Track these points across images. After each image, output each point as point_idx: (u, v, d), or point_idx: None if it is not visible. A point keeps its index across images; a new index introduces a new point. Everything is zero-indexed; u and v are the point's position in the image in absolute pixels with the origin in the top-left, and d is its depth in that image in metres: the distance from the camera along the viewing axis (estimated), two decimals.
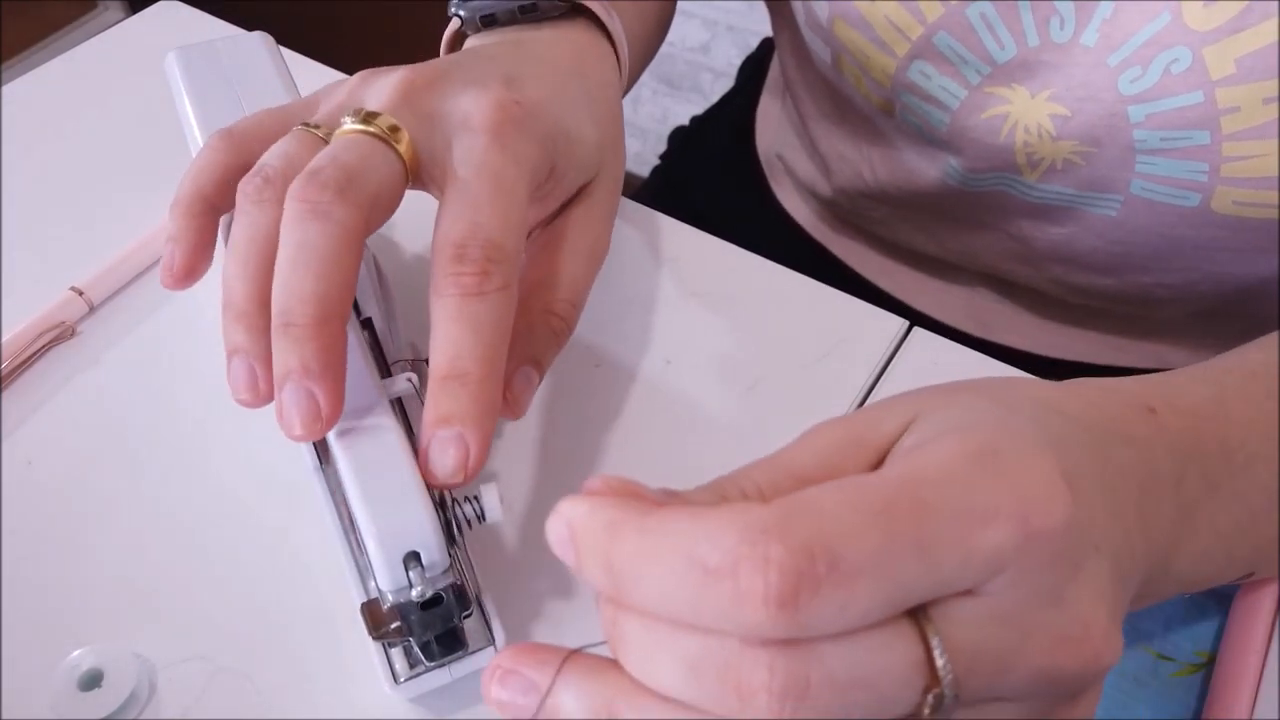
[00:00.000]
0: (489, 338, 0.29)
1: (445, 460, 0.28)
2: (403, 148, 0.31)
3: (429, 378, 0.29)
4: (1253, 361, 0.31)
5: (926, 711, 0.20)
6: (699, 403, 0.39)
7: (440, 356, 0.28)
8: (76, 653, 0.31)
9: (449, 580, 0.28)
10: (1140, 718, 0.32)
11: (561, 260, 0.35)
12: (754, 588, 0.19)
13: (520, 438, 0.38)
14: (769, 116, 0.67)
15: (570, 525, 0.22)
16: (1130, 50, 0.40)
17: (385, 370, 0.33)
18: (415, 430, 0.31)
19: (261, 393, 0.29)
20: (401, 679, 0.30)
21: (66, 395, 0.39)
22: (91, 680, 0.31)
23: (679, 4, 0.58)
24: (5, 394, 0.39)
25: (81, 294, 0.41)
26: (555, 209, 0.37)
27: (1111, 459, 0.25)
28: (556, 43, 0.40)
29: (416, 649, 0.30)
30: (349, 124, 0.31)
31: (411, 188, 0.32)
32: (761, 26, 0.63)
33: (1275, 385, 0.30)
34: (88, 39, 0.56)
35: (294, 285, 0.28)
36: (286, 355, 0.27)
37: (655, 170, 0.76)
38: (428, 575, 0.28)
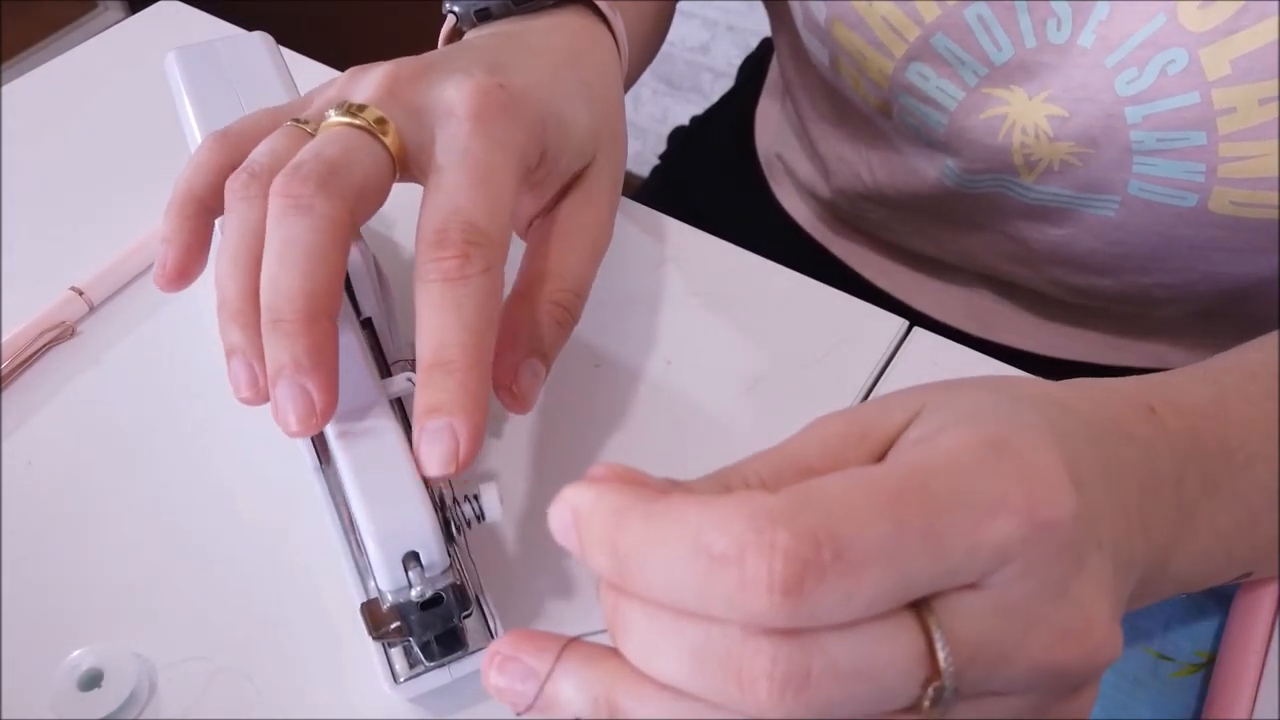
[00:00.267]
0: (473, 324, 0.28)
1: (435, 452, 0.27)
2: (389, 139, 0.30)
3: (416, 364, 0.28)
4: (1252, 361, 0.31)
5: (926, 704, 0.20)
6: (699, 403, 0.39)
7: (424, 345, 0.28)
8: (76, 653, 0.31)
9: (449, 580, 0.28)
10: (1140, 718, 0.32)
11: (562, 250, 0.35)
12: (759, 575, 0.19)
13: (520, 438, 0.38)
14: (768, 117, 0.67)
15: (574, 511, 0.22)
16: (1127, 51, 0.40)
17: (385, 370, 0.33)
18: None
19: (262, 390, 0.29)
20: (401, 679, 0.30)
21: (66, 395, 0.39)
22: (91, 680, 0.31)
23: (679, 4, 0.58)
24: (5, 394, 0.39)
25: (81, 294, 0.41)
26: (553, 197, 0.36)
27: (1113, 457, 0.25)
28: (551, 31, 0.39)
29: (416, 649, 0.30)
30: (333, 117, 0.31)
31: (401, 180, 0.32)
32: (761, 26, 0.63)
33: (1274, 385, 0.30)
34: (88, 39, 0.56)
35: (280, 282, 0.28)
36: (277, 352, 0.27)
37: (655, 170, 0.76)
38: (427, 575, 0.28)
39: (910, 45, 0.44)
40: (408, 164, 0.31)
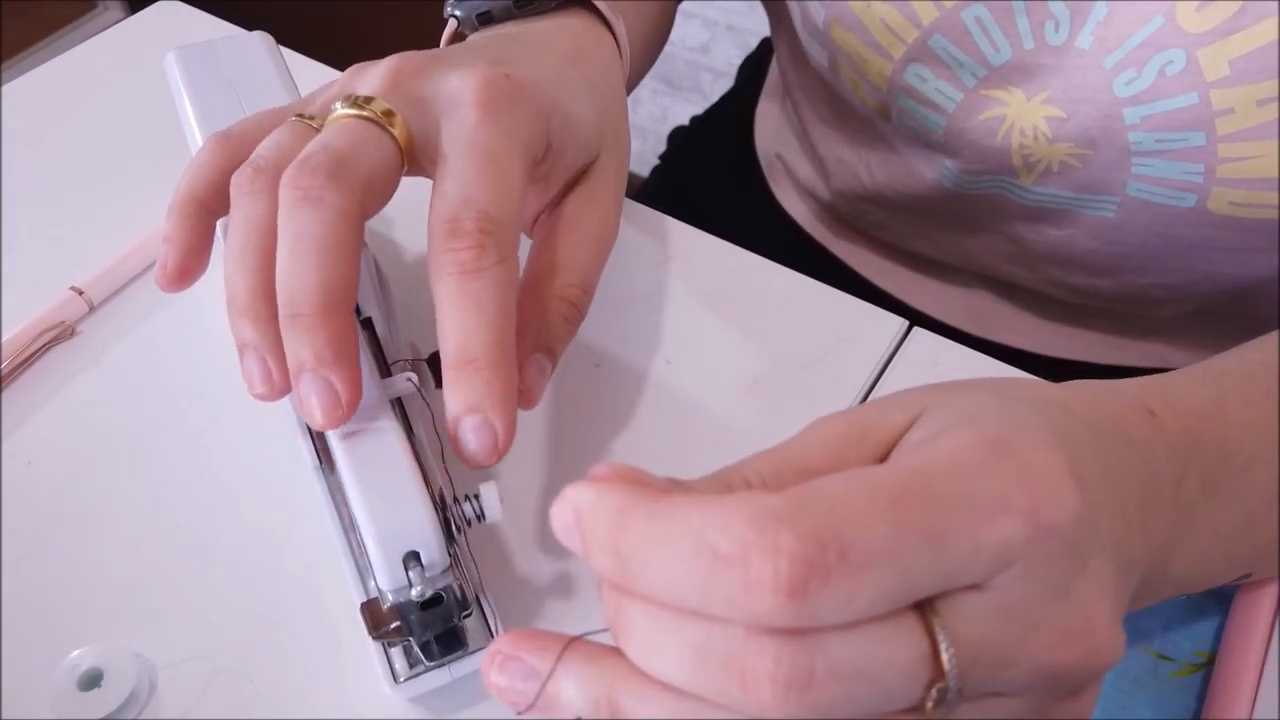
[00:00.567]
0: (494, 319, 0.28)
1: (476, 444, 0.28)
2: (397, 130, 0.30)
3: (443, 363, 0.29)
4: (1251, 362, 0.31)
5: (930, 705, 0.20)
6: (699, 403, 0.39)
7: (449, 343, 0.28)
8: (76, 653, 0.31)
9: (449, 580, 0.28)
10: (1140, 718, 0.32)
11: (569, 245, 0.35)
12: (764, 575, 0.19)
13: (521, 438, 0.38)
14: (768, 117, 0.67)
15: (576, 511, 0.22)
16: (1125, 52, 0.40)
17: (385, 370, 0.33)
18: (415, 430, 0.31)
19: (277, 385, 0.29)
20: (401, 679, 0.30)
21: (66, 395, 0.39)
22: (91, 680, 0.31)
23: (679, 4, 0.58)
24: (5, 394, 0.39)
25: (81, 294, 0.41)
26: (558, 191, 0.36)
27: (1113, 458, 0.25)
28: (553, 32, 0.39)
29: (416, 649, 0.30)
30: (340, 109, 0.31)
31: (409, 173, 0.32)
32: (761, 26, 0.63)
33: (1274, 386, 0.30)
34: (88, 39, 0.56)
35: (296, 275, 0.28)
36: (298, 347, 0.27)
37: (655, 170, 0.76)
38: (427, 575, 0.28)
39: (908, 47, 0.44)
40: (415, 155, 0.31)
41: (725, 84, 0.78)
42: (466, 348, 0.28)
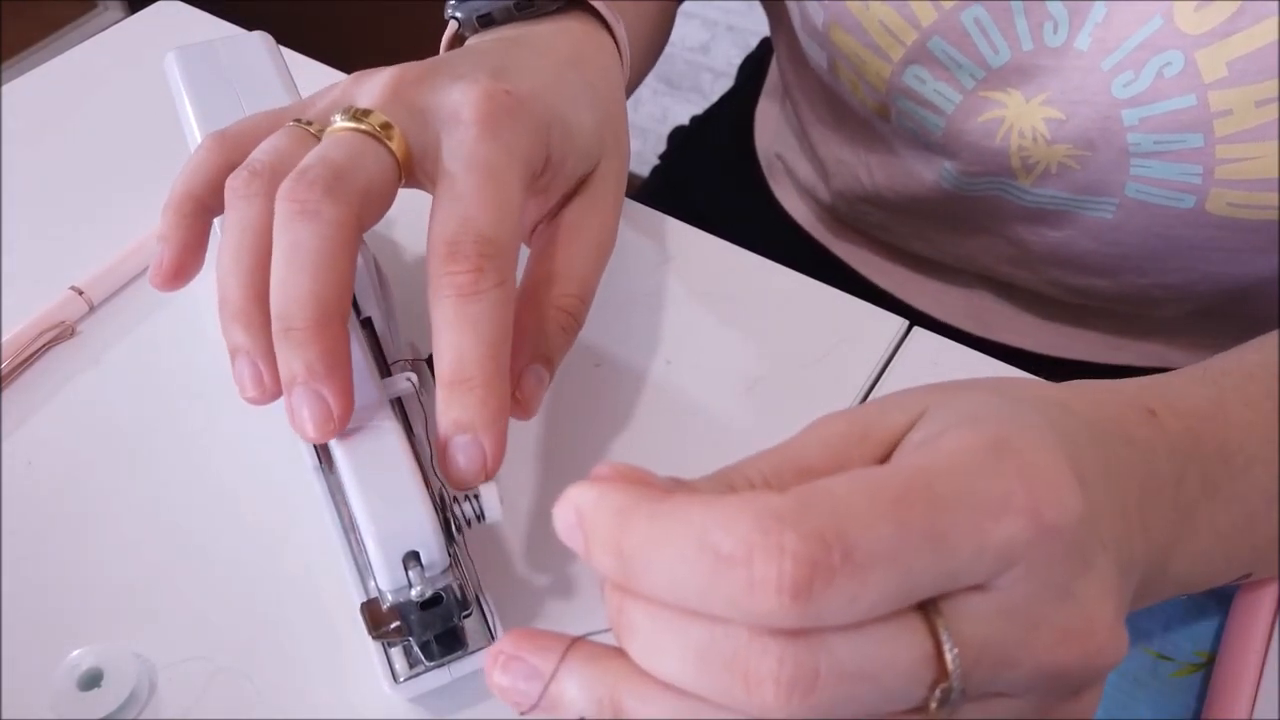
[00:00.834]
0: (490, 338, 0.29)
1: (464, 466, 0.28)
2: (395, 144, 0.31)
3: (436, 381, 0.29)
4: (1250, 363, 0.31)
5: (933, 705, 0.20)
6: (699, 403, 0.39)
7: (444, 362, 0.29)
8: (76, 653, 0.31)
9: (449, 580, 0.28)
10: (1140, 718, 0.32)
11: (567, 255, 0.35)
12: (768, 576, 0.19)
13: (520, 438, 0.38)
14: (768, 117, 0.67)
15: (579, 511, 0.22)
16: (1123, 54, 0.40)
17: (385, 370, 0.33)
18: (415, 430, 0.31)
19: (268, 390, 0.29)
20: (401, 679, 0.30)
21: (66, 395, 0.39)
22: (91, 680, 0.31)
23: (680, 5, 0.58)
24: (5, 394, 0.39)
25: (81, 294, 0.41)
26: (557, 201, 0.36)
27: (1114, 458, 0.25)
28: (554, 35, 0.39)
29: (416, 649, 0.30)
30: (339, 122, 0.31)
31: (406, 185, 0.32)
32: (761, 26, 0.63)
33: (1273, 386, 0.30)
34: (87, 38, 0.56)
35: (290, 288, 0.28)
36: (290, 360, 0.27)
37: (655, 170, 0.76)
38: (427, 575, 0.28)
39: (907, 49, 0.44)
40: (413, 169, 0.31)
41: (725, 84, 0.78)
42: (461, 366, 0.28)
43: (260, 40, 0.41)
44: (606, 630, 0.22)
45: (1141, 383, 0.29)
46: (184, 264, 0.32)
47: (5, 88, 0.52)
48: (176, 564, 0.34)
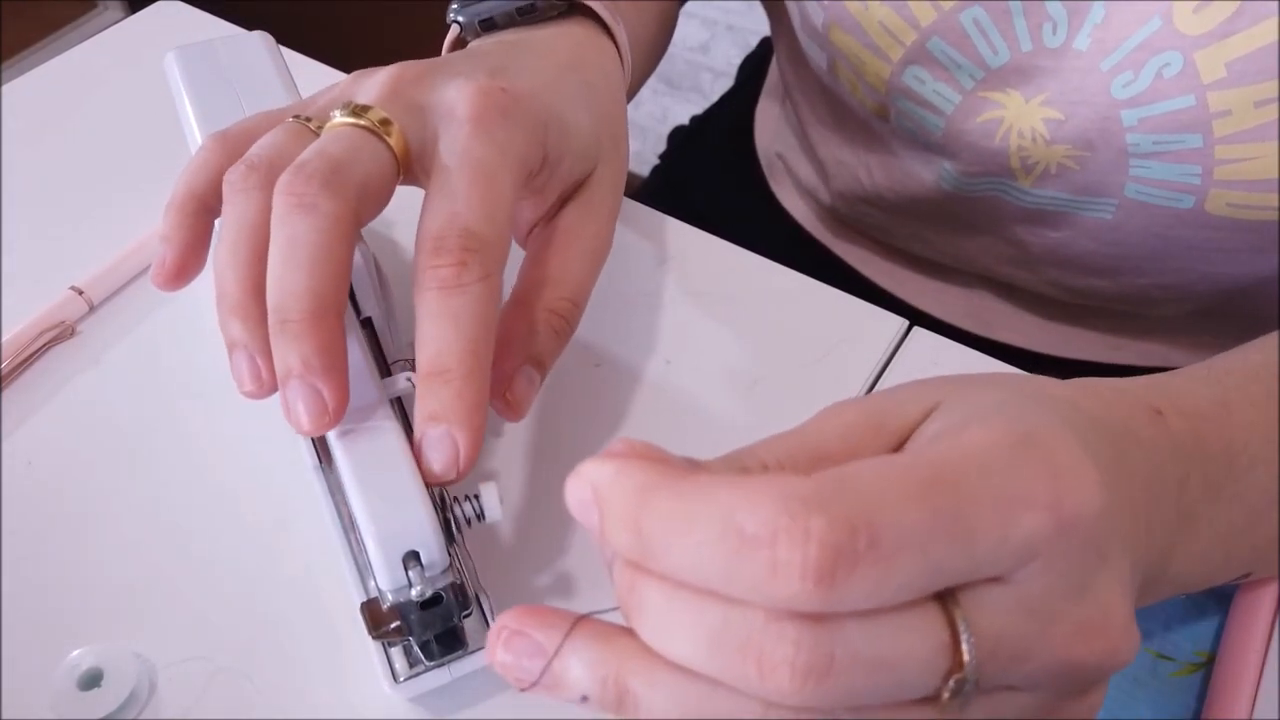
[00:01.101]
0: (470, 332, 0.28)
1: (436, 458, 0.28)
2: (393, 140, 0.31)
3: (416, 374, 0.29)
4: (1253, 363, 0.31)
5: (946, 696, 0.20)
6: (699, 403, 0.39)
7: (423, 354, 0.28)
8: (76, 653, 0.31)
9: (449, 580, 0.28)
10: (1140, 718, 0.32)
11: (563, 259, 0.35)
12: (792, 560, 0.18)
13: (520, 438, 0.38)
14: (768, 117, 0.67)
15: (595, 487, 0.21)
16: (1122, 55, 0.40)
17: (385, 370, 0.33)
18: (415, 430, 0.31)
19: (266, 384, 0.29)
20: (401, 678, 0.30)
21: (66, 395, 0.39)
22: (91, 680, 0.31)
23: (681, 6, 0.58)
24: (5, 394, 0.39)
25: (81, 294, 0.41)
26: (554, 202, 0.36)
27: (1123, 457, 0.25)
28: (554, 39, 0.39)
29: (416, 648, 0.30)
30: (338, 117, 0.31)
31: (405, 182, 0.32)
32: (761, 26, 0.63)
33: (1275, 387, 0.30)
34: (87, 39, 0.56)
35: (286, 281, 0.28)
36: (286, 353, 0.27)
37: (655, 170, 0.76)
38: (427, 575, 0.28)
39: (907, 49, 0.44)
40: (411, 165, 0.32)
41: (725, 84, 0.78)
42: (440, 358, 0.28)
43: (260, 40, 0.41)
44: (613, 609, 0.21)
45: (1146, 382, 0.29)
46: (186, 264, 0.32)
47: (5, 88, 0.52)
48: (176, 564, 0.34)
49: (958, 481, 0.20)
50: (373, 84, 0.33)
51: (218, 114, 0.37)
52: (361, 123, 0.30)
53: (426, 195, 0.31)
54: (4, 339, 0.39)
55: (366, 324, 0.34)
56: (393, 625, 0.29)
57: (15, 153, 0.49)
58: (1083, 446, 0.22)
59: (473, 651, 0.30)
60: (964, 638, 0.20)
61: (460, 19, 0.41)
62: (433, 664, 0.30)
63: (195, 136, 0.37)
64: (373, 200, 0.30)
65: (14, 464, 0.37)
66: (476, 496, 0.30)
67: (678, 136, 0.77)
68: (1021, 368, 0.40)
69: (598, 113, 0.37)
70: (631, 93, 0.46)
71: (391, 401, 0.31)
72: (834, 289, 0.44)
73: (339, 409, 0.28)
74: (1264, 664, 0.32)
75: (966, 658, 0.20)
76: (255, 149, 0.31)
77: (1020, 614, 0.20)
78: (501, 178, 0.31)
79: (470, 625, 0.30)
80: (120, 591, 0.34)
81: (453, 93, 0.32)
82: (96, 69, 0.54)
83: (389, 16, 1.63)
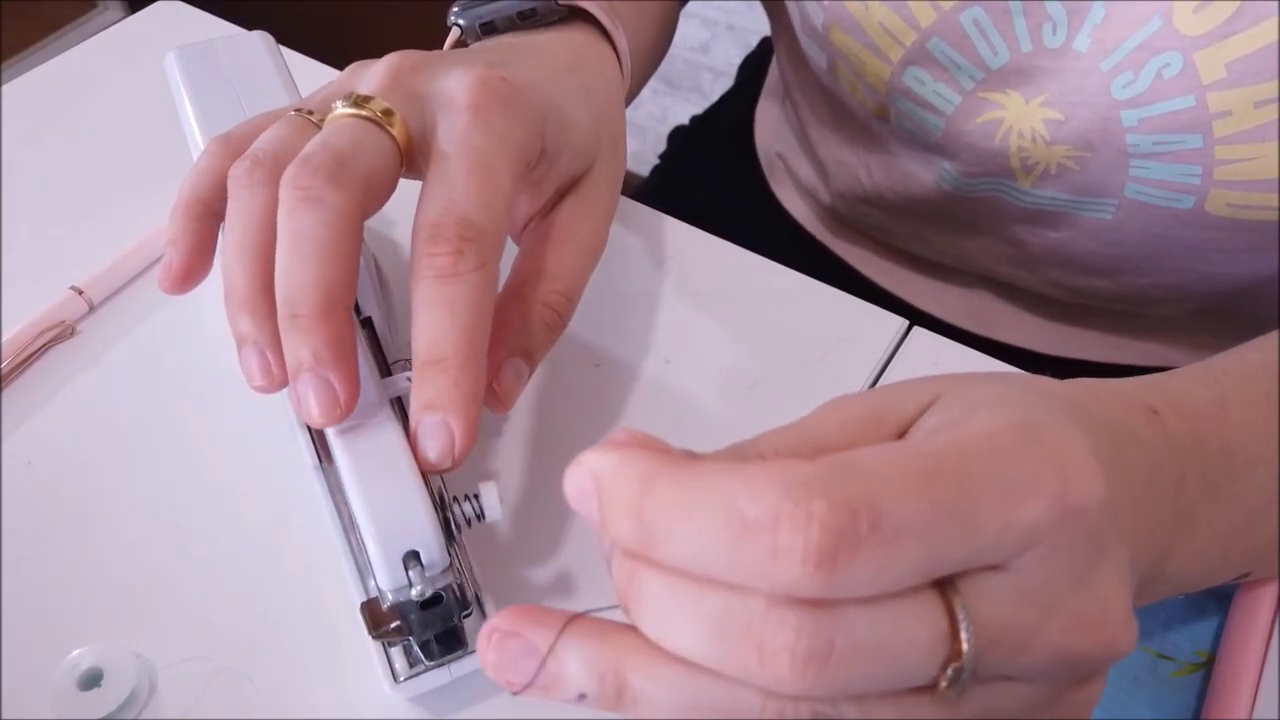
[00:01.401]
0: (466, 320, 0.28)
1: (431, 446, 0.28)
2: (396, 130, 0.31)
3: (412, 363, 0.29)
4: (1251, 363, 0.31)
5: (944, 684, 0.20)
6: (699, 403, 0.39)
7: (419, 342, 0.29)
8: (76, 653, 0.31)
9: (449, 579, 0.28)
10: (1140, 717, 0.32)
11: (558, 254, 0.35)
12: (794, 544, 0.18)
13: (520, 437, 0.38)
14: (768, 117, 0.67)
15: (595, 476, 0.21)
16: (1122, 55, 0.40)
17: (385, 370, 0.33)
18: None
19: (276, 378, 0.29)
20: (401, 678, 0.30)
21: (66, 395, 0.39)
22: (91, 680, 0.31)
23: (682, 8, 0.58)
24: (5, 394, 0.39)
25: (81, 294, 0.41)
26: (551, 197, 0.36)
27: (1122, 456, 0.25)
28: (554, 43, 0.40)
29: (416, 648, 0.30)
30: (340, 108, 0.31)
31: (407, 173, 0.32)
32: (761, 26, 0.64)
33: (1273, 386, 0.30)
34: (87, 39, 0.56)
35: (295, 275, 0.28)
36: (297, 347, 0.28)
37: (655, 170, 0.76)
38: (427, 574, 0.28)
39: (906, 50, 0.44)
40: (413, 155, 0.31)
41: (725, 84, 0.78)
42: (436, 347, 0.28)
43: (260, 40, 0.41)
44: (612, 607, 0.21)
45: (1145, 382, 0.29)
46: (193, 267, 0.32)
47: (5, 88, 0.52)
48: (176, 564, 0.34)
49: (962, 467, 0.20)
50: (372, 74, 0.33)
51: (218, 114, 0.37)
52: (364, 113, 0.30)
53: (424, 183, 0.31)
54: (4, 339, 0.39)
55: (366, 324, 0.34)
56: (393, 625, 0.29)
57: (15, 153, 0.49)
58: (1086, 440, 0.22)
59: (473, 651, 0.30)
60: (963, 626, 0.20)
61: (461, 22, 0.41)
62: (433, 664, 0.30)
63: (195, 136, 0.37)
64: (378, 191, 0.30)
65: (14, 464, 0.37)
66: (476, 496, 0.30)
67: (678, 136, 0.77)
68: (1021, 368, 0.40)
69: (595, 113, 0.37)
70: (631, 96, 0.46)
71: (392, 402, 0.31)
72: (834, 289, 0.44)
73: (350, 400, 0.28)
74: (1264, 664, 0.32)
75: (965, 646, 0.20)
76: (258, 144, 0.31)
77: (1020, 603, 0.20)
78: (500, 167, 0.31)
79: (470, 625, 0.30)
80: (120, 591, 0.34)
81: (452, 81, 0.32)
82: (96, 69, 0.54)
83: (389, 16, 1.63)
